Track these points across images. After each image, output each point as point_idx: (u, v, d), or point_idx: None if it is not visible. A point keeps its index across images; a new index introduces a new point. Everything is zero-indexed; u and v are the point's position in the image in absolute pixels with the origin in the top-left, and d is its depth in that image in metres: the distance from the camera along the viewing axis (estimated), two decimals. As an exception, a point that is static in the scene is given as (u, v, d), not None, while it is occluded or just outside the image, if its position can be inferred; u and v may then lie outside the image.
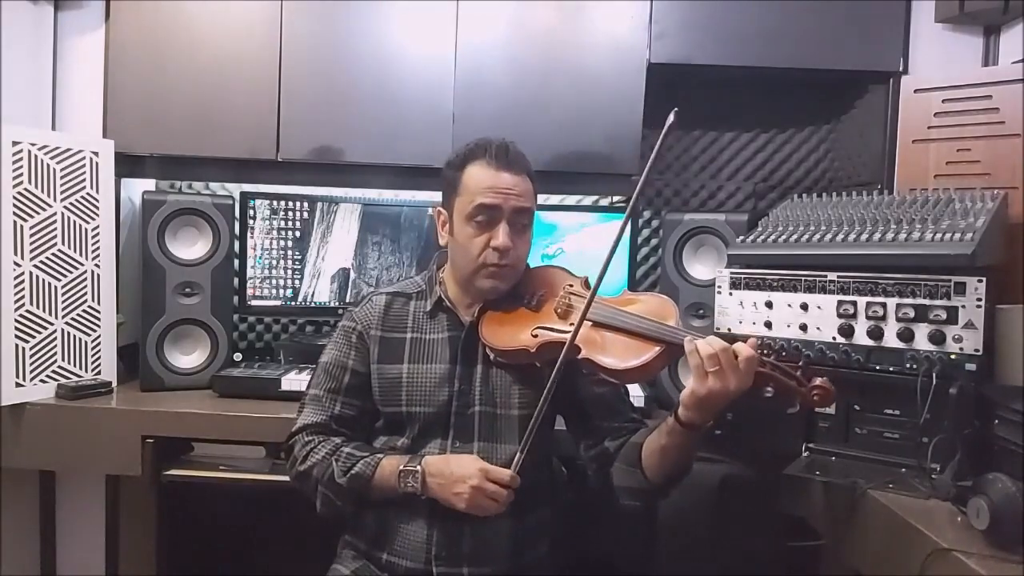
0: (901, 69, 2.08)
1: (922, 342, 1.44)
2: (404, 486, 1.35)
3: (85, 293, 1.99)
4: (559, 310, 1.43)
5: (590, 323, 1.37)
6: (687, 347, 1.25)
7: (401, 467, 1.37)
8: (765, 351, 1.32)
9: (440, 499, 1.34)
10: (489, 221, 1.41)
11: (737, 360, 1.22)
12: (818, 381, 1.28)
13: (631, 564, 1.76)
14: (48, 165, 1.92)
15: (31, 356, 1.89)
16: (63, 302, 1.95)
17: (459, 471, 1.32)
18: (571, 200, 2.40)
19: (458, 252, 1.46)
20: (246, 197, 2.20)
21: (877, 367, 1.49)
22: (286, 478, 1.90)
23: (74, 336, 1.98)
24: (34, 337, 1.90)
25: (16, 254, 1.86)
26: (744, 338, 1.62)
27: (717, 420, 1.33)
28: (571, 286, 1.45)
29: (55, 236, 1.93)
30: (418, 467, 1.35)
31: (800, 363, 1.31)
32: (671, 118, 1.29)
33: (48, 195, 1.92)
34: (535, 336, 1.39)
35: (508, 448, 1.40)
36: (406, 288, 1.55)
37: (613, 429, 1.46)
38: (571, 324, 1.35)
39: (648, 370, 1.33)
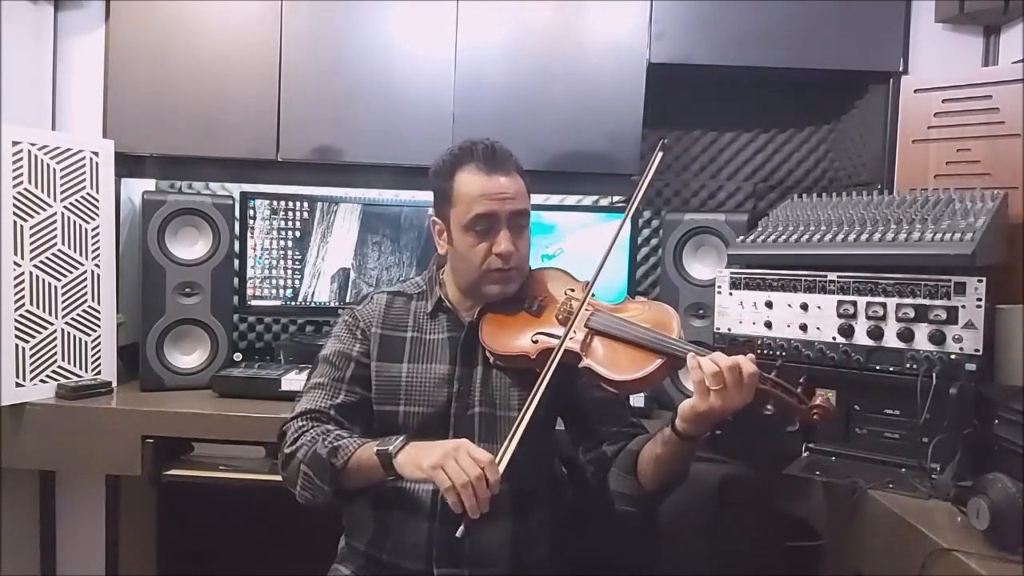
0: (901, 69, 2.07)
1: (922, 342, 1.44)
2: (383, 444, 1.27)
3: (85, 293, 1.99)
4: (560, 316, 1.41)
5: (592, 332, 1.36)
6: (690, 363, 1.23)
7: (387, 438, 1.30)
8: (771, 358, 1.30)
9: (407, 465, 1.24)
10: (488, 228, 1.39)
11: (742, 375, 1.20)
12: (819, 400, 1.26)
13: (631, 565, 1.76)
14: (48, 165, 1.92)
15: (31, 356, 1.89)
16: (63, 302, 1.95)
17: (444, 443, 1.25)
18: (571, 200, 2.40)
19: (460, 261, 1.44)
20: (246, 197, 2.20)
21: (877, 367, 1.49)
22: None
23: (74, 336, 1.98)
24: (34, 337, 1.90)
25: (16, 254, 1.86)
26: (744, 340, 1.64)
27: (714, 428, 1.32)
28: (572, 290, 1.44)
29: (55, 236, 1.93)
30: (403, 437, 1.29)
31: (801, 380, 1.28)
32: (660, 148, 1.41)
33: (48, 195, 1.92)
34: (535, 342, 1.38)
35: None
36: (407, 289, 1.54)
37: (611, 434, 1.45)
38: (573, 331, 1.35)
39: (648, 382, 1.31)
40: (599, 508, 1.48)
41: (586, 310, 1.38)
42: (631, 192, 2.30)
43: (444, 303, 1.49)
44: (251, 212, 2.20)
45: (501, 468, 1.21)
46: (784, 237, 1.66)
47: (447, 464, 1.19)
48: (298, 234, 2.23)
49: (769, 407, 1.27)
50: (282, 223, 2.22)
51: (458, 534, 1.19)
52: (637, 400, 1.87)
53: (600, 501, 1.46)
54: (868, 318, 1.50)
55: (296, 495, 1.38)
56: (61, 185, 1.94)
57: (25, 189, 1.87)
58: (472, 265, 1.41)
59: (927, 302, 1.43)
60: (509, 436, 1.26)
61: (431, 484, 1.36)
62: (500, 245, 1.38)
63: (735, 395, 1.20)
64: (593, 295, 1.43)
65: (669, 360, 1.29)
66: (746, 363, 1.21)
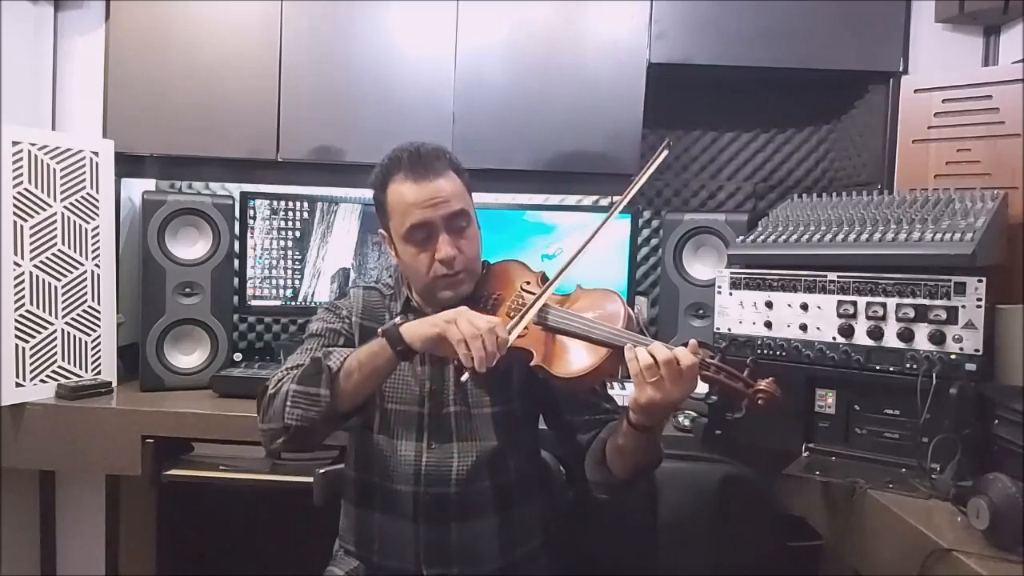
0: (901, 69, 2.08)
1: (922, 342, 1.44)
2: (387, 328, 1.27)
3: (85, 293, 1.99)
4: (511, 313, 1.38)
5: (539, 327, 1.33)
6: (627, 355, 1.21)
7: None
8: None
9: (417, 329, 1.26)
10: (427, 236, 1.37)
11: (680, 367, 1.17)
12: (763, 384, 1.21)
13: (630, 563, 1.75)
14: (48, 165, 1.91)
15: (31, 356, 1.89)
16: (63, 302, 1.95)
17: (445, 312, 1.27)
18: (571, 200, 2.40)
19: (408, 270, 1.44)
20: (246, 197, 2.20)
21: (877, 367, 1.49)
22: (286, 478, 1.89)
23: (74, 336, 1.98)
24: (34, 337, 1.90)
25: (16, 254, 1.86)
26: (744, 339, 1.65)
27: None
28: (528, 283, 1.42)
29: (55, 236, 1.93)
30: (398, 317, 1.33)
31: (748, 362, 1.25)
32: (664, 148, 1.40)
33: (48, 195, 1.92)
34: None
35: (487, 445, 1.40)
36: (381, 288, 1.55)
37: (584, 423, 1.44)
38: (524, 328, 1.32)
39: (598, 374, 1.28)
40: (596, 506, 1.48)
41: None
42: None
43: (411, 303, 1.49)
44: (251, 212, 2.20)
45: (513, 337, 1.25)
46: (784, 237, 1.66)
47: (459, 320, 1.22)
48: (298, 234, 2.23)
49: (713, 395, 1.25)
50: (282, 223, 2.22)
51: (463, 379, 1.23)
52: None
53: (578, 492, 1.45)
54: (868, 318, 1.50)
55: (281, 427, 1.29)
56: (61, 185, 1.94)
57: (25, 189, 1.87)
58: (419, 274, 1.40)
59: (927, 302, 1.43)
60: (521, 314, 1.29)
61: (411, 485, 1.38)
62: (441, 251, 1.36)
63: (674, 387, 1.18)
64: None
65: (616, 351, 1.25)
66: (685, 355, 1.18)
